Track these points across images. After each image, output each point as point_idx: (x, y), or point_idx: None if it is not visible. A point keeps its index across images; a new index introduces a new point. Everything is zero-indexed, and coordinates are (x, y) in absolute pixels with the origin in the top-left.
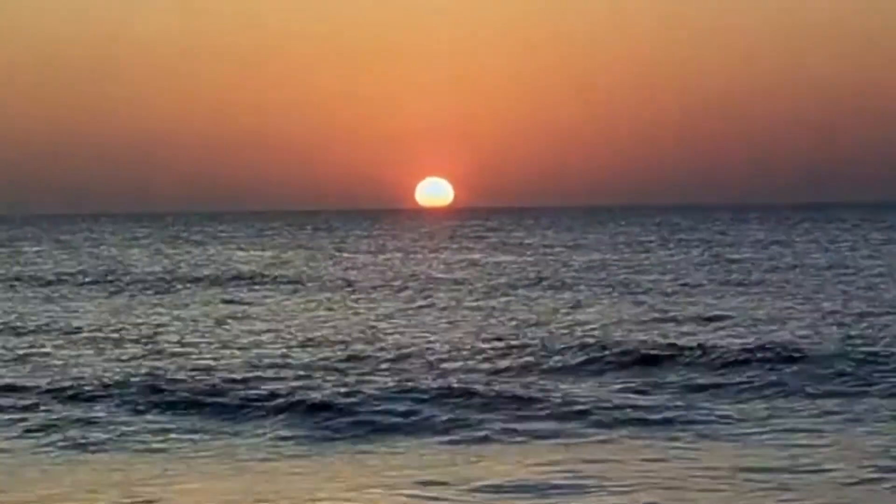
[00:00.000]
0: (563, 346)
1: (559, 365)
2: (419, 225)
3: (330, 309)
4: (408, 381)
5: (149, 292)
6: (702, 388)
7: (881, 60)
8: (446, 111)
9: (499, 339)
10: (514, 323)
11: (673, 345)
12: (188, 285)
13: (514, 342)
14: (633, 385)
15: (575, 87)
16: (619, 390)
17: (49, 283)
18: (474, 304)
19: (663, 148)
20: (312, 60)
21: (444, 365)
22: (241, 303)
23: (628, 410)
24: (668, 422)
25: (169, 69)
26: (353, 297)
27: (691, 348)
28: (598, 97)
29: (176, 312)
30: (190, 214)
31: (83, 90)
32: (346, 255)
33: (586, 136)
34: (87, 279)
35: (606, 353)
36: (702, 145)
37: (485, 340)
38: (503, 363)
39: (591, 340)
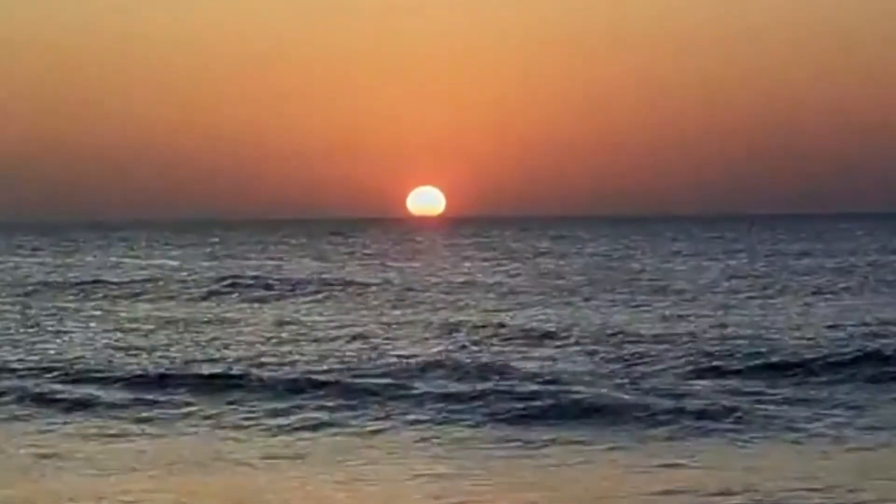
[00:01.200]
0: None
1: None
2: (436, 233)
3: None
4: None
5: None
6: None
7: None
8: (439, 120)
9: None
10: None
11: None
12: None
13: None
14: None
15: (568, 95)
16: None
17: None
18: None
19: (661, 156)
20: (303, 69)
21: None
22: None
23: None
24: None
25: (164, 78)
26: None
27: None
28: (592, 105)
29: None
30: (180, 222)
31: (79, 97)
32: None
33: (579, 145)
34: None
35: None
36: (700, 154)
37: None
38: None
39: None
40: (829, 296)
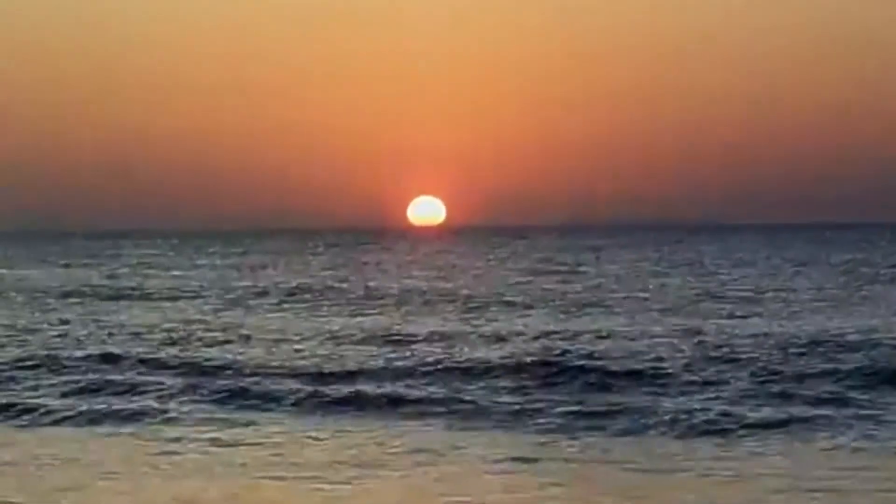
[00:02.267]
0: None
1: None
2: (452, 243)
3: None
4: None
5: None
6: None
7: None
8: (438, 128)
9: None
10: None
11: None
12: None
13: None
14: None
15: (569, 104)
16: None
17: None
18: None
19: (661, 163)
20: (303, 79)
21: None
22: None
23: None
24: None
25: (163, 90)
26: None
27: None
28: (593, 113)
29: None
30: (181, 234)
31: (74, 108)
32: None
33: (579, 153)
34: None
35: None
36: (706, 161)
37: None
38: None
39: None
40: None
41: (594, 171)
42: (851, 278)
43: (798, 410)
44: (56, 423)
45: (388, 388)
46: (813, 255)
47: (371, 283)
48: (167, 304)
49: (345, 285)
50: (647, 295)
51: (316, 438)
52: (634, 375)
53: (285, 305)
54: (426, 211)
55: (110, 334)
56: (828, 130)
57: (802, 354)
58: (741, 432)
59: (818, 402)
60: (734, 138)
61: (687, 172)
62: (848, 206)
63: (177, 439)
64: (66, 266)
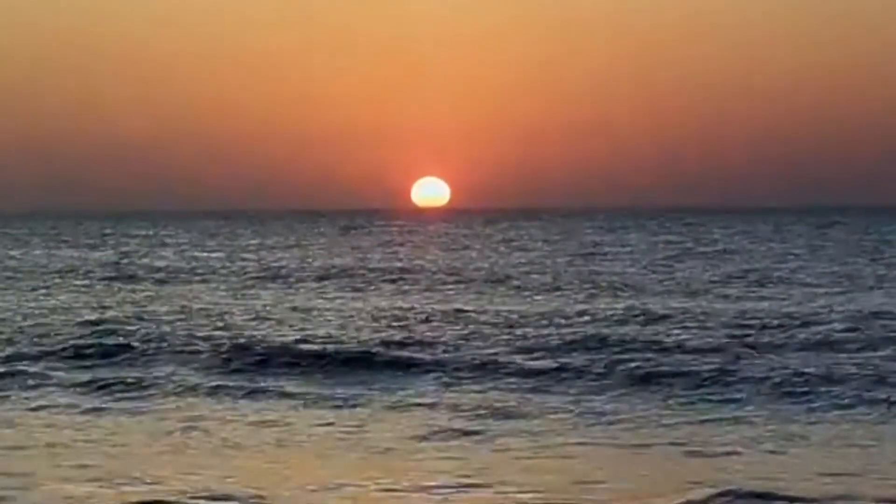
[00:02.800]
0: None
1: None
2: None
3: None
4: None
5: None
6: None
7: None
8: (443, 111)
9: None
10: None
11: None
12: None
13: None
14: None
15: (574, 86)
16: None
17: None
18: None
19: (665, 148)
20: (307, 60)
21: None
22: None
23: None
24: None
25: (169, 70)
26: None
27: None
28: (597, 97)
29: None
30: (181, 216)
31: (84, 89)
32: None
33: (584, 138)
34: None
35: None
36: (705, 145)
37: None
38: None
39: None
40: None
41: (600, 154)
42: (871, 258)
43: (836, 399)
44: (74, 406)
45: (413, 373)
46: (828, 238)
47: (384, 265)
48: (183, 284)
49: (360, 266)
50: (663, 277)
51: (332, 422)
52: (667, 363)
53: (301, 286)
54: (430, 192)
55: (126, 317)
56: (832, 117)
57: (839, 335)
58: (772, 418)
59: (860, 386)
60: (737, 126)
61: (693, 157)
62: (853, 189)
63: (197, 418)
64: (93, 246)
